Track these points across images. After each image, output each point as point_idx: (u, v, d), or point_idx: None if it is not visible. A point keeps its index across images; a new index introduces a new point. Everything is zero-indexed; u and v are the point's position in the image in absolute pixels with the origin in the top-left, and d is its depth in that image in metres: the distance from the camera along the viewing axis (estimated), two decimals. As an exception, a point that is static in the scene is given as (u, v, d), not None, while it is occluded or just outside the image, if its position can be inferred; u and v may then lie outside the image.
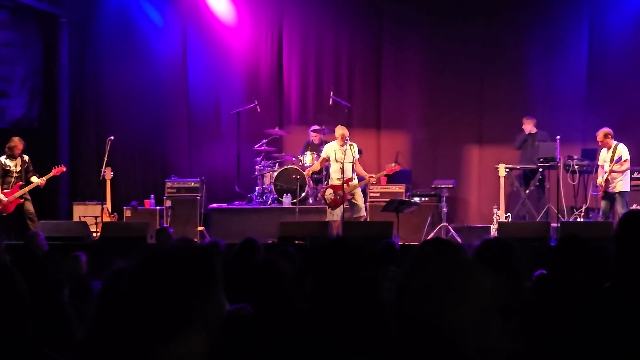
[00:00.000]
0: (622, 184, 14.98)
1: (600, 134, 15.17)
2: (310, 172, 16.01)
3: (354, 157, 15.17)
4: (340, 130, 15.27)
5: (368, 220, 15.65)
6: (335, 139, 15.39)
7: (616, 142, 15.09)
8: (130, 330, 2.50)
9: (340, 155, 15.11)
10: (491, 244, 4.82)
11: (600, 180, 15.11)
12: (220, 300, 2.59)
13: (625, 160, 14.95)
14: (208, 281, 2.56)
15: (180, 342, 2.50)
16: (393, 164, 15.75)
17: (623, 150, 15.02)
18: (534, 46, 18.22)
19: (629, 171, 15.14)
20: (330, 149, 15.32)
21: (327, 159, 15.41)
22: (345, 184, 14.97)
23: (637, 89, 17.58)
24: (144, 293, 2.51)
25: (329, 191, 15.24)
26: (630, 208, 14.54)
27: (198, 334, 2.54)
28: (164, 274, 2.53)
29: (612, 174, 14.96)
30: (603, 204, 15.17)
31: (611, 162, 14.99)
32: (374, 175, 15.52)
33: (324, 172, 16.43)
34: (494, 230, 14.94)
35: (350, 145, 15.18)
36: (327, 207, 15.27)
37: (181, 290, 2.51)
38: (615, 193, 14.96)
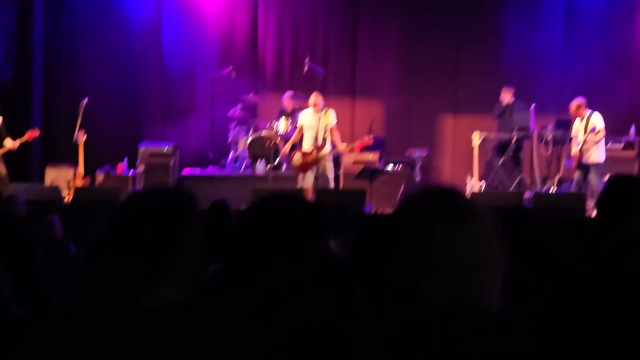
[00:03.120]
0: (597, 154, 14.95)
1: (572, 106, 15.14)
2: (290, 145, 15.84)
3: (327, 125, 15.10)
4: (313, 97, 15.20)
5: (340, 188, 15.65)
6: (309, 106, 15.34)
7: (590, 112, 15.07)
8: (106, 281, 2.50)
9: (314, 123, 15.06)
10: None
11: (574, 150, 15.12)
12: (196, 250, 2.58)
13: (599, 131, 14.92)
14: (183, 227, 2.55)
15: (154, 291, 2.50)
16: (366, 138, 15.70)
17: (597, 120, 14.97)
18: (509, 13, 18.25)
19: (603, 141, 15.09)
20: (305, 117, 15.26)
21: (303, 127, 15.34)
22: (315, 150, 14.95)
23: (612, 55, 17.66)
24: (118, 241, 2.50)
25: (298, 155, 15.20)
26: (603, 179, 14.55)
27: (174, 284, 2.53)
28: (140, 218, 2.53)
29: (586, 144, 14.96)
30: (577, 174, 15.16)
31: (585, 132, 14.99)
32: (344, 145, 15.43)
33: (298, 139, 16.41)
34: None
35: (325, 112, 15.13)
36: (296, 171, 15.26)
37: (156, 237, 2.50)
38: (590, 164, 14.95)
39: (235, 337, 2.51)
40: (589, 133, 14.90)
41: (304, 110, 15.42)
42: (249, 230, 3.29)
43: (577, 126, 15.18)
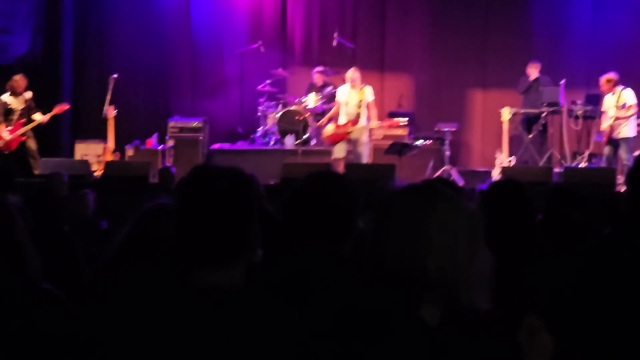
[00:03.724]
0: (627, 129, 14.88)
1: (603, 80, 15.09)
2: (327, 119, 15.82)
3: (362, 100, 15.08)
4: (351, 72, 15.17)
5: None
6: (343, 81, 15.32)
7: (622, 87, 14.99)
8: (173, 258, 2.54)
9: (350, 98, 15.06)
10: (500, 185, 4.80)
11: (605, 126, 15.06)
12: (259, 230, 2.63)
13: (630, 106, 14.85)
14: (252, 209, 2.58)
15: (222, 271, 2.53)
16: (397, 120, 15.68)
17: (628, 96, 14.91)
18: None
19: (635, 117, 15.02)
20: (342, 92, 15.25)
21: (339, 103, 15.33)
22: (350, 124, 14.96)
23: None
24: (192, 220, 2.54)
25: (330, 126, 15.22)
26: (634, 154, 14.47)
27: (241, 264, 2.57)
28: (213, 199, 2.56)
29: (616, 120, 14.89)
30: (606, 149, 15.11)
31: (616, 107, 14.92)
32: (377, 122, 15.43)
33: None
34: (496, 174, 14.93)
35: (362, 88, 15.13)
36: (326, 142, 15.31)
37: (231, 219, 2.54)
38: (619, 139, 14.89)
39: (283, 323, 2.54)
40: (620, 109, 14.83)
41: (342, 86, 15.38)
42: (296, 212, 3.32)
43: (608, 101, 15.11)
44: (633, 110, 14.86)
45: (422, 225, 2.37)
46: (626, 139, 14.83)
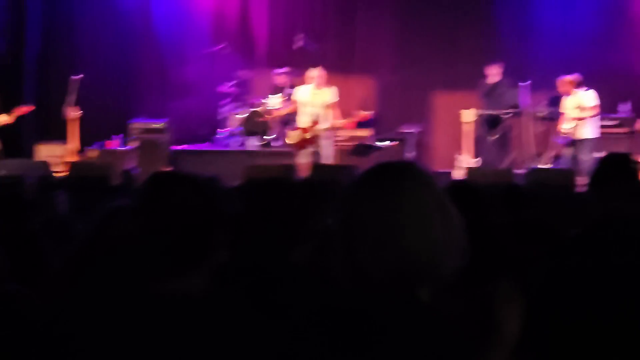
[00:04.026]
0: (587, 131, 15.03)
1: (561, 82, 15.24)
2: (281, 115, 15.84)
3: (325, 102, 15.09)
4: (315, 72, 15.17)
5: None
6: (306, 82, 15.31)
7: (582, 89, 15.13)
8: (133, 264, 2.53)
9: (312, 99, 15.06)
10: (458, 186, 4.84)
11: (564, 127, 15.19)
12: (221, 235, 2.61)
13: (588, 108, 14.99)
14: (212, 214, 2.57)
15: (185, 278, 2.53)
16: (362, 112, 15.70)
17: (587, 98, 15.06)
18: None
19: (596, 118, 15.15)
20: (303, 92, 15.24)
21: (300, 103, 15.33)
22: (312, 127, 14.97)
23: (609, 31, 17.58)
24: (153, 227, 2.53)
25: (295, 132, 15.22)
26: (595, 155, 14.59)
27: (203, 269, 2.56)
28: (172, 204, 2.55)
29: (575, 120, 15.03)
30: (568, 151, 15.23)
31: (575, 109, 15.06)
32: (342, 121, 15.44)
33: (293, 116, 16.49)
34: (457, 176, 14.99)
35: (325, 89, 15.13)
36: (294, 148, 15.30)
37: (191, 225, 2.53)
38: (579, 140, 15.03)
39: (248, 329, 2.53)
40: (580, 110, 14.98)
41: (303, 86, 15.37)
42: (245, 216, 3.34)
43: (567, 103, 15.25)
44: (591, 112, 14.99)
45: (394, 212, 2.26)
46: (586, 140, 14.96)
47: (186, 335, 2.44)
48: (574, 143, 15.09)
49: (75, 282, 3.10)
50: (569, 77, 15.13)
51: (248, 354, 2.47)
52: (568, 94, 15.17)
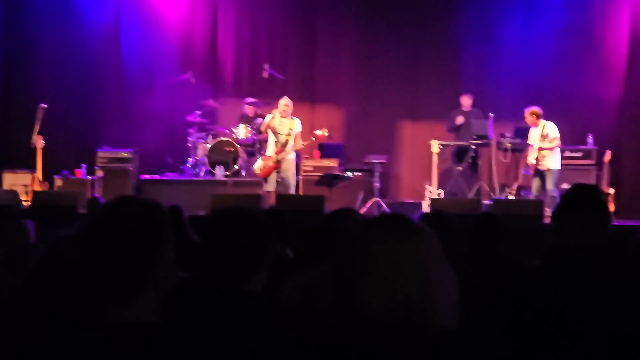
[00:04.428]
0: (552, 161, 15.13)
1: (527, 114, 15.32)
2: (262, 129, 15.78)
3: (292, 130, 15.11)
4: (283, 101, 15.22)
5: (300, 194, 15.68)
6: (273, 111, 15.30)
7: (545, 121, 15.24)
8: (79, 293, 2.48)
9: (279, 128, 15.09)
10: (428, 217, 4.83)
11: (531, 158, 15.27)
12: (170, 260, 2.57)
13: (553, 139, 15.10)
14: (157, 239, 2.54)
15: (131, 304, 2.49)
16: (321, 131, 15.64)
17: (551, 129, 15.18)
18: (466, 20, 18.29)
19: (558, 149, 15.26)
20: (271, 120, 15.24)
21: (269, 127, 15.29)
22: (276, 154, 14.98)
23: (572, 64, 17.65)
24: (93, 255, 2.49)
25: (260, 161, 15.24)
26: (560, 186, 14.70)
27: (149, 296, 2.52)
28: (117, 231, 2.50)
29: (541, 152, 15.12)
30: (534, 182, 15.30)
31: (541, 140, 15.15)
32: (303, 143, 15.45)
33: (257, 145, 16.46)
34: (425, 206, 15.02)
35: (292, 119, 15.17)
36: (259, 176, 15.31)
37: (132, 250, 2.49)
38: (545, 171, 15.11)
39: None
40: (544, 141, 15.09)
41: (269, 115, 15.36)
42: (207, 244, 3.32)
43: (533, 134, 15.34)
44: (555, 143, 15.11)
45: (400, 260, 2.32)
46: (551, 170, 15.06)
47: None
48: (541, 174, 15.16)
49: (23, 313, 3.05)
50: (534, 109, 15.24)
51: None
52: (535, 125, 15.26)
